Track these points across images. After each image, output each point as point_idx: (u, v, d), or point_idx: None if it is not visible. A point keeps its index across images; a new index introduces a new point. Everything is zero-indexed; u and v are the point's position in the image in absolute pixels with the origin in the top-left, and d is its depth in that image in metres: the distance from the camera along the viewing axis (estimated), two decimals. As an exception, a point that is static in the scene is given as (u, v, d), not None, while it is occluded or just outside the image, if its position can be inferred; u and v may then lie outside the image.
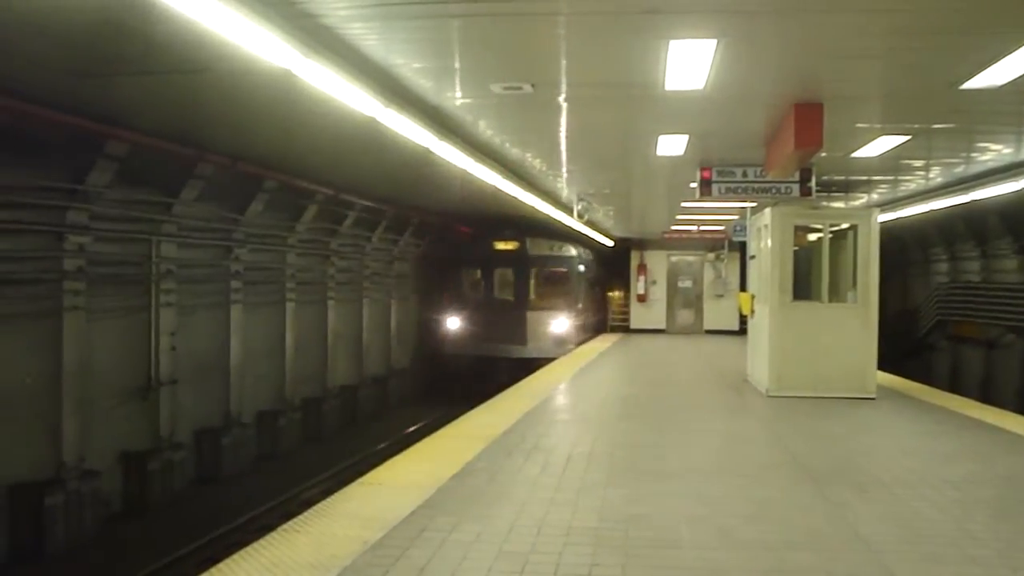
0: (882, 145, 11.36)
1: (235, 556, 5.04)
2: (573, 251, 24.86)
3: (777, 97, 8.93)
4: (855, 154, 12.05)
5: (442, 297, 24.95)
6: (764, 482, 7.15)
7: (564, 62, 7.75)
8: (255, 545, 5.22)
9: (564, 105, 9.47)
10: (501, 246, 24.34)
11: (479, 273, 24.93)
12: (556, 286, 24.61)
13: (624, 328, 29.75)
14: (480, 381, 21.18)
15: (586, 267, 26.24)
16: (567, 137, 11.68)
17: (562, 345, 22.81)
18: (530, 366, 18.61)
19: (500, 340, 23.21)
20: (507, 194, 15.20)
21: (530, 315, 23.69)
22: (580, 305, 25.01)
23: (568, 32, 6.81)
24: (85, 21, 6.43)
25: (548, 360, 18.44)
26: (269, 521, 11.26)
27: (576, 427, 9.64)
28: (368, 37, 6.81)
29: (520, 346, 23.22)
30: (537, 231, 24.20)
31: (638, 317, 29.77)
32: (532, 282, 24.52)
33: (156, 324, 12.69)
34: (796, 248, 12.59)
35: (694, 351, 21.82)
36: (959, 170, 13.94)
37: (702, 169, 12.70)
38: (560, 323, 23.40)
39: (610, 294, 33.88)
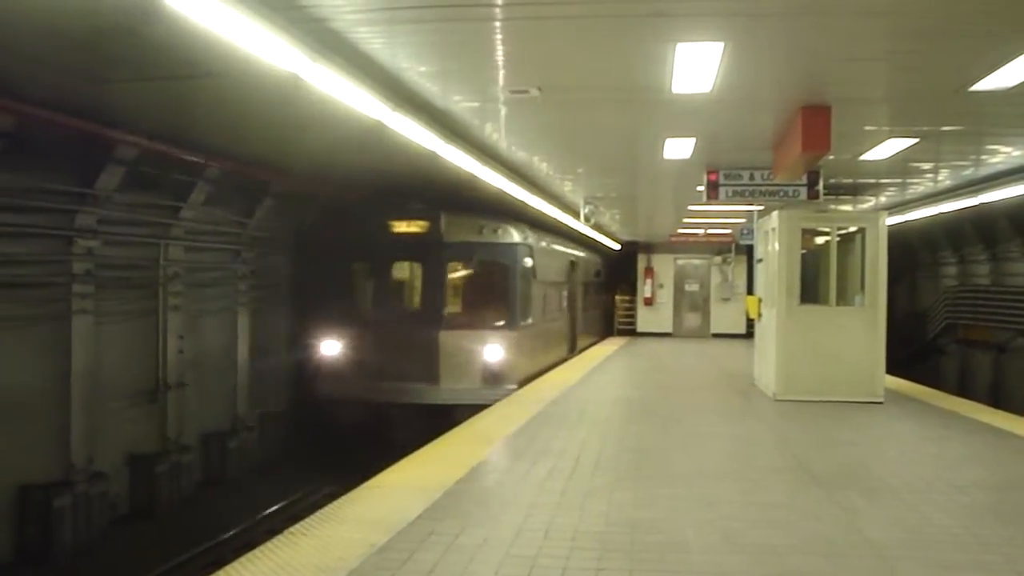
0: (890, 148, 11.33)
1: (241, 559, 5.04)
2: (516, 236, 15.87)
3: (784, 100, 8.91)
4: (863, 157, 12.02)
5: (315, 308, 16.14)
6: (771, 486, 7.14)
7: (571, 66, 7.75)
8: (261, 548, 5.23)
9: (571, 109, 9.46)
10: (402, 228, 15.58)
11: (368, 270, 16.37)
12: (488, 290, 16.03)
13: (630, 332, 29.71)
14: (369, 440, 13.75)
15: (540, 260, 17.30)
16: (574, 140, 11.68)
17: (497, 383, 14.65)
18: (445, 417, 12.22)
19: (398, 377, 14.61)
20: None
21: (445, 337, 14.96)
22: (530, 320, 16.36)
23: (575, 36, 6.80)
24: (96, 26, 6.45)
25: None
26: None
27: (583, 430, 9.62)
28: (374, 41, 6.82)
29: (429, 386, 14.72)
30: (461, 204, 15.81)
31: (645, 320, 29.75)
32: (450, 284, 15.98)
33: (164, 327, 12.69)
34: (803, 251, 12.56)
35: (701, 354, 21.79)
36: (968, 173, 13.90)
37: (709, 172, 12.67)
38: (493, 350, 14.91)
39: (601, 298, 30.28)
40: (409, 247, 15.71)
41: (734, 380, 15.17)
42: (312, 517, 5.92)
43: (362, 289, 16.49)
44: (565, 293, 21.24)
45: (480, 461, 7.82)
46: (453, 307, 15.91)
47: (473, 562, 5.01)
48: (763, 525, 5.90)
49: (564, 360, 19.55)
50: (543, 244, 18.25)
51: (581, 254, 24.27)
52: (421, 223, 15.52)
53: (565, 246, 21.73)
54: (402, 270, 16.68)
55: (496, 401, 12.17)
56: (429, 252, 15.46)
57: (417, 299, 16.03)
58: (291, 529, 5.63)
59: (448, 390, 14.74)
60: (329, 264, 16.06)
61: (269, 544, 5.31)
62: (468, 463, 7.67)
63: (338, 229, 15.98)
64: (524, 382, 14.85)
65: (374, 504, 6.28)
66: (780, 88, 8.51)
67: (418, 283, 16.12)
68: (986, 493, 7.02)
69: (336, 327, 15.49)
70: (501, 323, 15.44)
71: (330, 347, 15.49)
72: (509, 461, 7.91)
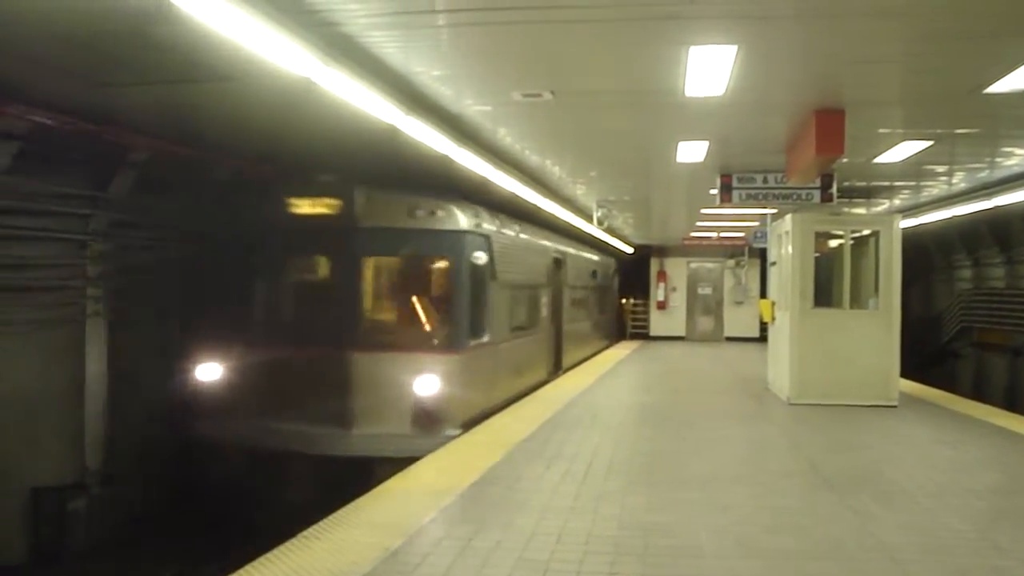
0: (904, 150, 11.29)
1: (255, 563, 5.06)
2: (464, 221, 11.16)
3: (798, 103, 8.89)
4: (877, 160, 11.97)
5: (188, 320, 12.02)
6: (785, 491, 7.11)
7: (584, 69, 7.75)
8: (275, 552, 5.24)
9: (584, 112, 9.47)
10: (304, 209, 11.10)
11: (258, 267, 11.49)
12: (423, 296, 11.46)
13: (643, 335, 29.67)
14: (247, 507, 10.14)
15: (503, 255, 12.65)
16: (587, 144, 11.68)
17: (432, 428, 10.22)
18: (361, 474, 8.71)
19: (296, 416, 10.33)
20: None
21: (361, 362, 10.54)
22: (485, 336, 11.73)
23: (588, 39, 6.81)
24: (107, 30, 6.48)
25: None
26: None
27: (596, 434, 9.62)
28: (387, 45, 6.84)
29: (337, 431, 10.34)
30: (387, 175, 11.46)
31: (658, 324, 29.73)
32: (370, 287, 11.42)
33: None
34: (817, 254, 12.53)
35: (714, 358, 21.73)
36: (983, 175, 13.83)
37: (722, 175, 12.65)
38: (428, 380, 10.36)
39: (604, 303, 26.35)
40: (311, 235, 11.09)
41: (747, 384, 15.13)
42: (325, 521, 5.94)
43: (247, 295, 11.49)
44: (546, 299, 16.38)
45: (492, 464, 7.82)
46: (373, 319, 11.31)
47: (486, 566, 5.01)
48: (777, 529, 5.88)
49: (543, 383, 15.06)
50: (509, 233, 13.44)
51: (571, 250, 19.64)
52: (328, 201, 10.98)
53: (547, 238, 17.09)
54: (302, 268, 11.93)
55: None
56: (339, 242, 10.85)
57: (323, 308, 11.15)
58: (304, 533, 5.65)
59: (364, 437, 10.23)
60: (194, 257, 11.60)
61: (282, 548, 5.33)
62: (480, 467, 7.68)
63: (213, 210, 11.46)
64: (474, 422, 10.52)
65: (387, 508, 6.29)
66: (793, 91, 8.49)
67: (324, 286, 11.58)
68: (1001, 497, 6.99)
69: (217, 348, 11.02)
70: (441, 341, 10.88)
71: (208, 373, 10.98)
72: (522, 465, 7.90)
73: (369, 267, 11.24)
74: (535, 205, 15.37)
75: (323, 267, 11.71)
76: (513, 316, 13.56)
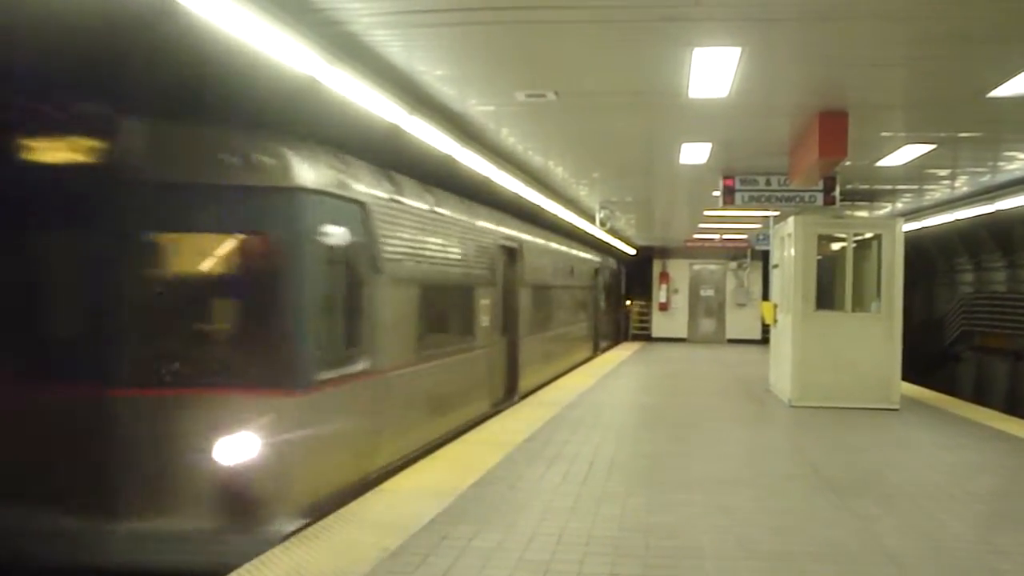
0: (907, 154, 11.29)
1: (254, 561, 5.06)
2: (302, 174, 6.48)
3: (801, 105, 8.89)
4: (880, 163, 11.97)
5: None
6: (786, 493, 7.11)
7: (588, 70, 7.75)
8: (274, 551, 5.24)
9: (587, 113, 9.47)
10: (31, 152, 6.34)
11: None
12: (234, 302, 6.53)
13: (645, 337, 29.67)
14: None
15: (396, 235, 8.10)
16: (590, 145, 11.68)
17: (250, 520, 5.82)
18: None
19: (31, 505, 5.75)
20: None
21: (129, 409, 5.93)
22: (359, 364, 7.20)
23: (592, 40, 6.81)
24: (112, 24, 6.46)
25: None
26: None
27: (598, 435, 9.60)
28: (391, 44, 6.84)
29: (97, 526, 5.77)
30: (186, 97, 6.33)
31: (659, 326, 29.73)
32: (148, 284, 6.37)
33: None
34: (819, 257, 12.53)
35: (716, 360, 21.71)
36: (985, 179, 13.83)
37: (725, 177, 12.65)
38: (240, 442, 5.90)
39: (591, 306, 22.22)
40: (53, 196, 6.32)
41: (749, 386, 15.11)
42: (325, 520, 5.93)
43: None
44: (489, 301, 11.87)
45: (493, 465, 7.81)
46: (150, 338, 6.35)
47: (487, 567, 5.00)
48: (778, 532, 5.87)
49: (486, 418, 10.93)
50: (415, 205, 8.95)
51: (533, 238, 15.21)
52: (74, 140, 6.47)
53: (492, 219, 12.45)
54: (28, 252, 6.58)
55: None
56: (98, 208, 6.29)
57: (67, 319, 6.66)
58: (304, 532, 5.64)
59: (136, 537, 5.92)
60: None
61: (281, 547, 5.32)
62: (482, 467, 7.67)
63: None
64: (337, 503, 6.43)
65: (387, 507, 6.28)
66: (797, 93, 8.49)
67: (69, 282, 6.65)
68: (1001, 500, 6.99)
69: None
70: (265, 374, 6.30)
71: None
72: (522, 465, 7.89)
73: (144, 250, 6.50)
74: (453, 158, 10.28)
75: (67, 250, 6.66)
76: (423, 328, 9.03)
